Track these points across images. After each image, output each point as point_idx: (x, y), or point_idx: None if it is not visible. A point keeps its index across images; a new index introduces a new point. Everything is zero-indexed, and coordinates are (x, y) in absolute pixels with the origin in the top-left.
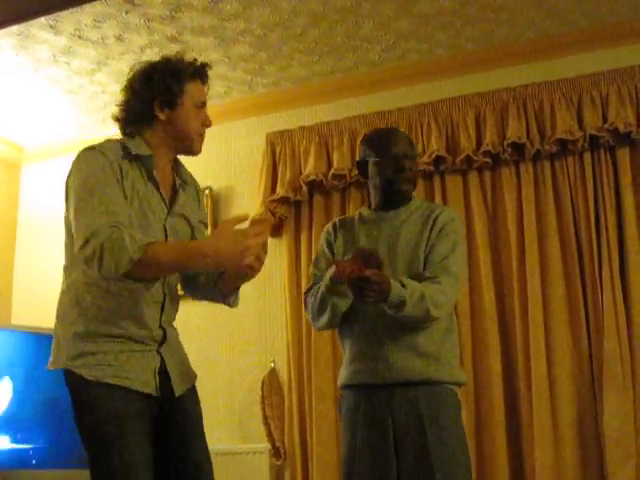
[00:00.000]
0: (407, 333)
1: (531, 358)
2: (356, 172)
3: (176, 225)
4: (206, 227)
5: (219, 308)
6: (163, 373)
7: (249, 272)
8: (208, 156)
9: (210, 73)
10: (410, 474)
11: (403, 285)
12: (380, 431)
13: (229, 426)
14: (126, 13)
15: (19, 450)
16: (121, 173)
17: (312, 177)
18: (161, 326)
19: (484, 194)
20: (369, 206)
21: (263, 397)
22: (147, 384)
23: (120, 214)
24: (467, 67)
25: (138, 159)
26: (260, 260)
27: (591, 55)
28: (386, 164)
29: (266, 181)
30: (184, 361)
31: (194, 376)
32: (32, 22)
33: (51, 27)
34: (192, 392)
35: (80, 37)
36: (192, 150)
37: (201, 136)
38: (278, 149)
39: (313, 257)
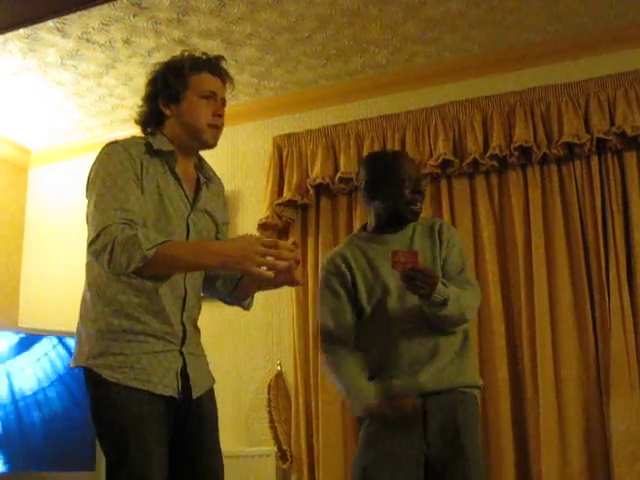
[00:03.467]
0: (433, 347)
1: (538, 361)
2: None
3: (200, 221)
4: (227, 227)
5: (226, 311)
6: (183, 374)
7: (262, 280)
8: (215, 159)
9: None
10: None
11: (444, 285)
12: (413, 441)
13: (236, 429)
14: (133, 16)
15: (25, 452)
16: (142, 168)
17: (319, 180)
18: (182, 322)
19: (491, 198)
20: (363, 228)
21: (270, 400)
22: (168, 387)
23: (134, 212)
24: (474, 70)
25: (160, 154)
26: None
27: (598, 58)
28: (406, 185)
29: (273, 184)
30: (204, 363)
31: (212, 378)
32: (40, 25)
33: (59, 30)
34: (210, 394)
35: (88, 40)
36: (204, 141)
37: (213, 127)
38: (285, 152)
39: (320, 302)
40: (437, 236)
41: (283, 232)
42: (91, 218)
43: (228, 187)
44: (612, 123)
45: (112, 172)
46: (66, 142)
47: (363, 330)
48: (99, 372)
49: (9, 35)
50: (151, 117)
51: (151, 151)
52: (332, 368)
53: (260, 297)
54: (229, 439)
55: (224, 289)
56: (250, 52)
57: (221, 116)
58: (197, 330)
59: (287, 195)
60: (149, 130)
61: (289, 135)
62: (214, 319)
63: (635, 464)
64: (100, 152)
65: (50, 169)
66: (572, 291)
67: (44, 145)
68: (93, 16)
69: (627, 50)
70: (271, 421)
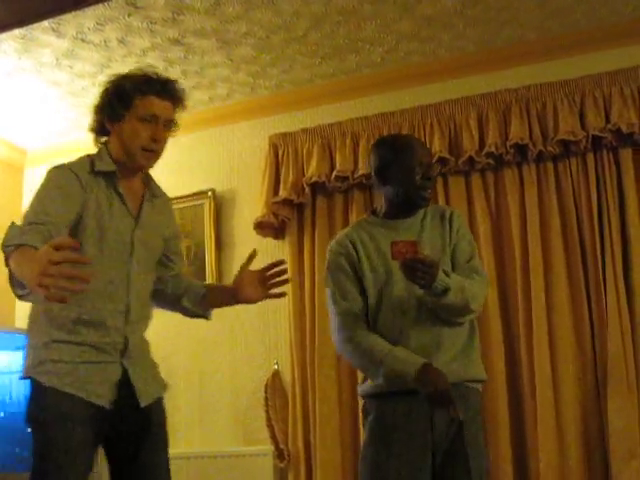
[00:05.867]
0: (440, 336)
1: (535, 359)
2: (359, 174)
3: (145, 237)
4: (179, 241)
5: (223, 311)
6: (126, 385)
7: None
8: (211, 158)
9: (213, 75)
10: (446, 473)
11: (447, 274)
12: (420, 435)
13: (233, 428)
14: (128, 16)
15: (19, 454)
16: (85, 188)
17: (315, 179)
18: (125, 335)
19: (487, 195)
20: (373, 212)
21: (267, 399)
22: (102, 397)
23: (51, 225)
24: (470, 68)
25: (103, 174)
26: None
27: (593, 56)
28: (417, 171)
29: (269, 183)
30: (151, 372)
31: (164, 386)
32: (35, 25)
33: (54, 30)
34: (158, 403)
35: (83, 40)
36: (135, 164)
37: (148, 151)
38: (281, 151)
39: (330, 283)
40: (448, 224)
41: (279, 231)
42: None
43: (224, 186)
44: (607, 120)
45: (45, 187)
46: (62, 142)
47: (368, 317)
48: (38, 379)
49: (4, 35)
50: (98, 131)
51: (94, 171)
52: (357, 348)
53: None
54: (226, 438)
55: (190, 305)
56: (245, 51)
57: (157, 141)
58: (144, 342)
59: (283, 194)
60: (101, 141)
61: (285, 134)
62: (211, 319)
63: (632, 461)
64: (44, 176)
65: (45, 169)
66: (569, 288)
67: (40, 145)
68: (88, 16)
69: (622, 47)
70: (268, 420)
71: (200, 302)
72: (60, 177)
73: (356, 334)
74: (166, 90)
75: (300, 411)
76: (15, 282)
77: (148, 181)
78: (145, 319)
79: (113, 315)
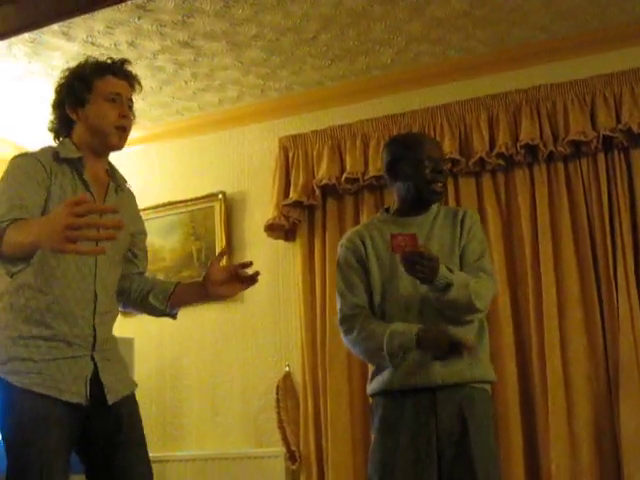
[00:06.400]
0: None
1: (546, 359)
2: (370, 176)
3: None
4: (145, 237)
5: (233, 313)
6: (96, 380)
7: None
8: (221, 161)
9: (223, 78)
10: (452, 475)
11: (450, 270)
12: (425, 434)
13: (244, 430)
14: (138, 19)
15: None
16: (50, 174)
17: (325, 181)
18: (94, 327)
19: (498, 196)
20: (386, 210)
21: (278, 401)
22: (76, 394)
23: (26, 209)
24: (479, 69)
25: (68, 162)
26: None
27: (603, 56)
28: (426, 165)
29: (279, 185)
30: (121, 369)
31: (132, 384)
32: (45, 29)
33: (64, 34)
34: (130, 399)
35: (93, 43)
36: (109, 144)
37: (119, 129)
38: (291, 153)
39: (339, 278)
40: (459, 223)
41: (290, 233)
42: None
43: (234, 188)
44: (618, 120)
45: (11, 174)
46: None
47: (374, 313)
48: (7, 379)
49: (14, 39)
50: (60, 124)
51: (58, 159)
52: (360, 334)
53: (267, 299)
54: (238, 440)
55: (157, 303)
56: (255, 53)
57: (127, 117)
58: (112, 336)
59: (293, 196)
60: (60, 139)
61: (295, 136)
62: (222, 321)
63: None
64: (8, 163)
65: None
66: (580, 289)
67: None
68: (98, 19)
69: (632, 47)
70: (280, 422)
71: (168, 299)
72: (26, 164)
73: (359, 321)
74: (121, 70)
75: (311, 412)
76: (7, 258)
77: (113, 172)
78: (112, 312)
79: (80, 304)
